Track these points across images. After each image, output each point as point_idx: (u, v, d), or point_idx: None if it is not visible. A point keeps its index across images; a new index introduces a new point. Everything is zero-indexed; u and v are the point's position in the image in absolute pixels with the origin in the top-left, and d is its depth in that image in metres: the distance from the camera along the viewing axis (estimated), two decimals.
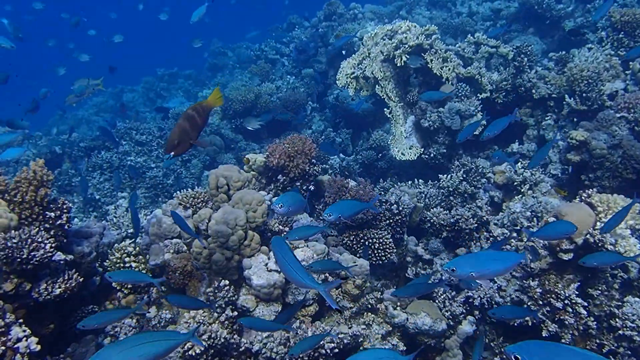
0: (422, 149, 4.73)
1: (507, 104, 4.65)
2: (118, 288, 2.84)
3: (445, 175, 4.03)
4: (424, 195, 3.99)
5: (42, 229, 2.37)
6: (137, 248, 2.90)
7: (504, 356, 3.02)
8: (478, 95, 4.62)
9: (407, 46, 4.55)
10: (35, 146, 6.78)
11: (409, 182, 4.38)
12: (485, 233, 3.77)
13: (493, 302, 3.30)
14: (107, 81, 6.62)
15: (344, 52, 7.03)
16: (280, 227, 3.06)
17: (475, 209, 3.81)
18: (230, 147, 6.92)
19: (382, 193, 4.31)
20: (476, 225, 3.71)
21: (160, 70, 12.31)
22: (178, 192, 3.02)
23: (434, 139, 4.71)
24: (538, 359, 1.48)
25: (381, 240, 3.33)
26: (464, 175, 4.03)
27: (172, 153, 1.94)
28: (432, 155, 4.70)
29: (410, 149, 4.72)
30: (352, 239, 3.40)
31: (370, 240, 3.32)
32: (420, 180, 4.41)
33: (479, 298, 3.30)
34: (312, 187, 3.77)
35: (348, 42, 7.00)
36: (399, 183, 4.46)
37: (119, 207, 5.00)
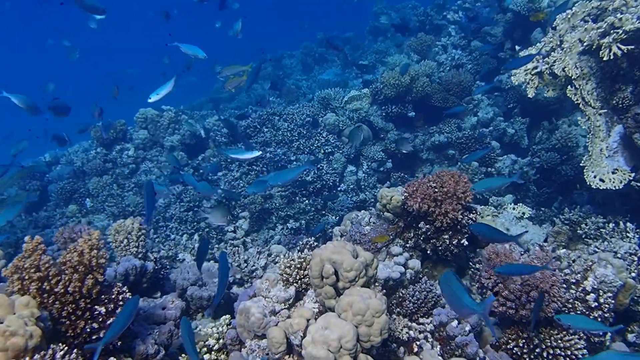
0: (633, 174, 3.42)
1: None
2: None
3: None
4: (637, 260, 2.80)
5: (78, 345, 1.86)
6: (222, 340, 2.30)
7: None
8: None
9: (621, 31, 3.21)
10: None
11: (611, 228, 3.18)
12: None
13: None
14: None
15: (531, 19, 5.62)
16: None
17: None
18: (380, 137, 6.14)
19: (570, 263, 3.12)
20: None
21: (319, 34, 11.80)
22: (282, 257, 2.37)
23: None
24: None
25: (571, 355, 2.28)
26: None
27: None
28: None
29: (613, 173, 3.44)
30: (520, 343, 2.41)
31: (552, 352, 2.30)
32: (629, 225, 3.19)
33: None
34: (465, 242, 2.86)
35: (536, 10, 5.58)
36: (599, 236, 3.28)
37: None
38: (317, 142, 5.94)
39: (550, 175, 4.99)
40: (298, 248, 3.43)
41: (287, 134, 5.97)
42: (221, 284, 2.32)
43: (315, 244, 3.32)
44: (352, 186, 5.70)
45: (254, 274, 3.23)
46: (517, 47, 4.79)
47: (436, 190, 2.85)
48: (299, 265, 2.28)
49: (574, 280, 2.53)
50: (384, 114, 6.13)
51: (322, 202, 5.38)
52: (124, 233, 2.84)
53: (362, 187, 5.66)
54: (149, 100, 3.60)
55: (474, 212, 2.89)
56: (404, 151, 5.06)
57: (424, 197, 2.84)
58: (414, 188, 2.91)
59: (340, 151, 5.91)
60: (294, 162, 5.75)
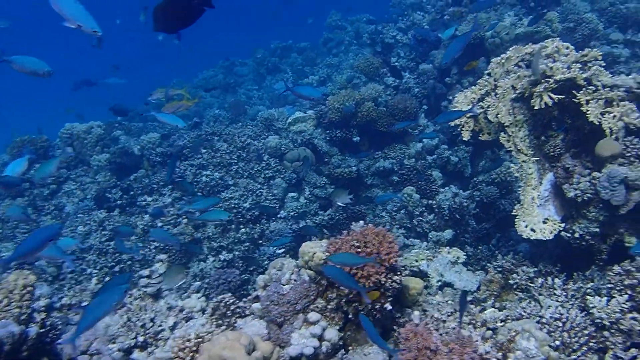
0: (563, 224, 3.36)
1: None
2: None
3: (599, 299, 2.70)
4: (562, 327, 2.71)
5: None
6: None
7: None
8: None
9: (552, 81, 3.13)
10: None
11: (539, 284, 3.10)
12: None
13: None
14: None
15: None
16: None
17: None
18: (324, 162, 5.97)
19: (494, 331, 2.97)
20: None
21: (274, 43, 11.54)
22: (175, 338, 2.15)
23: (581, 213, 3.31)
24: None
25: None
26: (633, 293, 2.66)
27: None
28: (577, 234, 3.32)
29: (544, 223, 3.37)
30: None
31: None
32: (557, 281, 3.12)
33: None
34: (389, 307, 2.71)
35: (473, 36, 5.53)
36: (528, 290, 3.20)
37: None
38: (257, 165, 5.71)
39: (490, 210, 4.94)
40: (209, 311, 3.15)
41: (225, 156, 5.72)
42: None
43: (235, 303, 3.09)
44: (292, 213, 5.51)
45: (160, 335, 2.98)
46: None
47: (359, 250, 2.69)
48: (194, 348, 2.06)
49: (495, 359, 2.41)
50: (328, 137, 5.97)
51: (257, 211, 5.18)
52: (3, 292, 2.53)
53: (304, 214, 5.47)
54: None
55: (399, 273, 2.74)
56: (340, 204, 4.86)
57: None
58: (336, 247, 2.74)
59: (282, 176, 5.71)
60: (231, 187, 5.51)
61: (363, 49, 8.94)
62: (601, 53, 3.16)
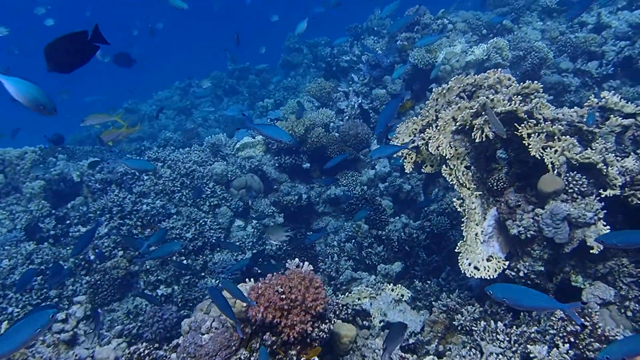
0: (507, 262, 3.21)
1: None
2: None
3: (540, 347, 2.53)
4: None
5: None
6: None
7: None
8: (600, 192, 2.97)
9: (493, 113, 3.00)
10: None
11: (482, 327, 2.92)
12: None
13: None
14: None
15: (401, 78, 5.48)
16: None
17: None
18: (272, 189, 5.74)
19: None
20: None
21: (231, 65, 11.33)
22: None
23: (525, 250, 3.17)
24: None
25: None
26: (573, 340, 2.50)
27: None
28: (522, 273, 3.17)
29: (488, 260, 3.21)
30: None
31: None
32: (500, 325, 2.94)
33: None
34: (315, 359, 2.47)
35: (425, 62, 5.44)
36: (471, 333, 3.01)
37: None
38: (197, 200, 5.42)
39: (440, 241, 4.79)
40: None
41: (168, 183, 5.42)
42: None
43: (152, 354, 2.79)
44: (238, 243, 5.23)
45: None
46: None
47: (283, 297, 2.45)
48: None
49: None
50: (277, 164, 5.75)
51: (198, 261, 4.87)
52: None
53: (247, 244, 5.20)
54: None
55: (327, 321, 2.51)
56: (275, 243, 4.62)
57: (269, 306, 2.43)
58: (259, 292, 2.49)
59: (228, 204, 5.44)
60: (174, 216, 5.20)
61: (319, 72, 8.83)
62: (541, 85, 3.06)
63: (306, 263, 3.12)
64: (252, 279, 3.41)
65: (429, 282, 4.29)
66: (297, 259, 3.14)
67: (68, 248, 4.97)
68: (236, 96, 10.50)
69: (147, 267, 4.72)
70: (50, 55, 1.90)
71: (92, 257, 4.65)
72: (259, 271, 4.76)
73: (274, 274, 2.65)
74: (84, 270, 4.58)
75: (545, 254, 3.10)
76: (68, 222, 5.31)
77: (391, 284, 3.81)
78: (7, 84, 1.99)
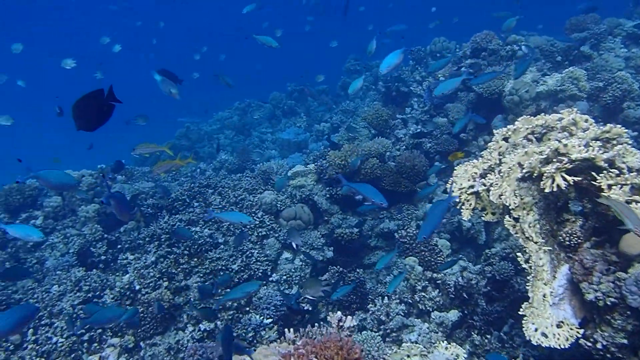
0: (581, 330, 2.78)
1: None
2: None
3: None
4: None
5: None
6: None
7: None
8: None
9: (566, 161, 2.62)
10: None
11: None
12: None
13: None
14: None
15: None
16: None
17: None
18: (324, 220, 5.50)
19: None
20: None
21: (290, 85, 11.29)
22: None
23: (604, 318, 2.73)
24: None
25: None
26: None
27: None
28: (599, 344, 2.72)
29: (559, 327, 2.80)
30: None
31: None
32: None
33: None
34: None
35: (490, 91, 5.05)
36: None
37: None
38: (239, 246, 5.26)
39: (503, 289, 4.34)
40: None
41: (217, 211, 5.31)
42: None
43: None
44: (285, 277, 5.02)
45: None
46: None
47: None
48: None
49: None
50: (328, 194, 5.51)
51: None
52: None
53: (292, 280, 4.97)
54: None
55: None
56: (294, 244, 4.48)
57: None
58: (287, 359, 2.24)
59: (276, 235, 5.25)
60: (221, 246, 5.07)
61: (379, 95, 8.58)
62: (625, 130, 2.64)
63: (349, 318, 2.86)
64: (291, 330, 3.17)
65: (488, 336, 3.88)
66: (339, 313, 2.88)
67: (116, 274, 4.97)
68: (294, 117, 10.43)
69: (190, 298, 4.60)
70: (76, 115, 1.99)
71: (137, 287, 4.59)
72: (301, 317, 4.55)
73: (309, 338, 2.40)
74: (129, 300, 4.53)
75: (628, 325, 2.64)
76: (119, 246, 5.32)
77: (445, 342, 3.44)
78: None
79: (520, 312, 2.89)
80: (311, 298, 3.79)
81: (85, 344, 4.09)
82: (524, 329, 2.85)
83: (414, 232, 4.97)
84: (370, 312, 4.62)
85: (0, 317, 2.58)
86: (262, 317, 4.66)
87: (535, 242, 2.87)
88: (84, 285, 4.63)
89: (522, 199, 2.83)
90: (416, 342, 3.77)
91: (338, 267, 5.04)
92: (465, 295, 4.34)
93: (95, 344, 4.00)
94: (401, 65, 7.24)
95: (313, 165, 5.73)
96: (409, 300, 4.55)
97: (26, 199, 5.50)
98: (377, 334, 4.30)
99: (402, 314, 4.44)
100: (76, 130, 2.02)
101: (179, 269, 4.71)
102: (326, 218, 5.52)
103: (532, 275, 2.89)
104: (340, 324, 2.79)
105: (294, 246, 4.55)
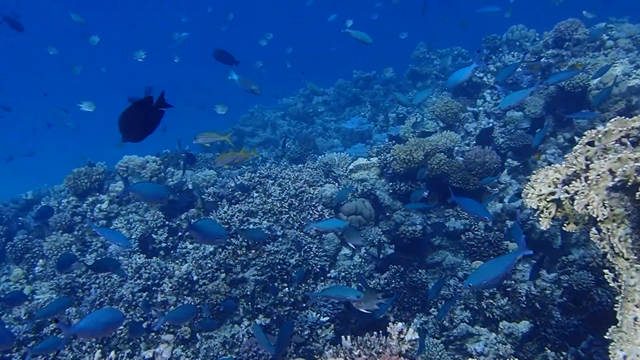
0: None
1: None
2: None
3: None
4: None
5: None
6: None
7: None
8: None
9: None
10: None
11: None
12: None
13: None
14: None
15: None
16: None
17: None
18: (386, 216, 5.29)
19: None
20: None
21: (356, 72, 11.03)
22: None
23: None
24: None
25: None
26: None
27: None
28: None
29: None
30: None
31: None
32: None
33: None
34: None
35: (574, 85, 4.60)
36: None
37: None
38: (309, 216, 5.16)
39: (581, 301, 3.98)
40: None
41: (276, 203, 5.24)
42: None
43: None
44: (343, 274, 4.88)
45: None
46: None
47: None
48: None
49: None
50: (391, 190, 5.29)
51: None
52: None
53: (352, 276, 4.82)
54: None
55: None
56: (351, 244, 4.33)
57: None
58: None
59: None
60: (280, 239, 4.99)
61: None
62: None
63: (411, 330, 2.68)
64: (348, 337, 3.02)
65: (564, 352, 3.57)
66: (400, 324, 2.70)
67: (176, 262, 5.02)
68: (359, 105, 10.20)
69: (247, 292, 4.57)
70: (123, 126, 1.94)
71: (195, 278, 4.61)
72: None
73: (367, 348, 2.24)
74: (187, 291, 4.56)
75: None
76: (180, 233, 5.38)
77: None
78: None
79: (606, 337, 2.58)
80: (366, 311, 3.64)
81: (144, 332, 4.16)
82: (610, 355, 2.54)
83: (483, 234, 4.67)
84: (432, 315, 4.41)
85: (85, 319, 2.58)
86: (319, 315, 4.56)
87: (627, 259, 2.54)
88: (144, 272, 4.70)
89: (612, 210, 2.51)
90: (482, 354, 3.53)
91: (399, 266, 4.85)
92: (538, 306, 4.02)
93: (153, 334, 4.06)
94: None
95: (376, 158, 5.52)
96: (475, 307, 4.28)
97: (93, 183, 5.67)
98: (439, 340, 4.09)
99: (467, 321, 4.19)
100: (122, 141, 1.99)
101: (237, 261, 4.67)
102: (388, 214, 5.31)
103: (622, 295, 2.56)
104: (401, 336, 2.61)
105: (352, 246, 4.39)
